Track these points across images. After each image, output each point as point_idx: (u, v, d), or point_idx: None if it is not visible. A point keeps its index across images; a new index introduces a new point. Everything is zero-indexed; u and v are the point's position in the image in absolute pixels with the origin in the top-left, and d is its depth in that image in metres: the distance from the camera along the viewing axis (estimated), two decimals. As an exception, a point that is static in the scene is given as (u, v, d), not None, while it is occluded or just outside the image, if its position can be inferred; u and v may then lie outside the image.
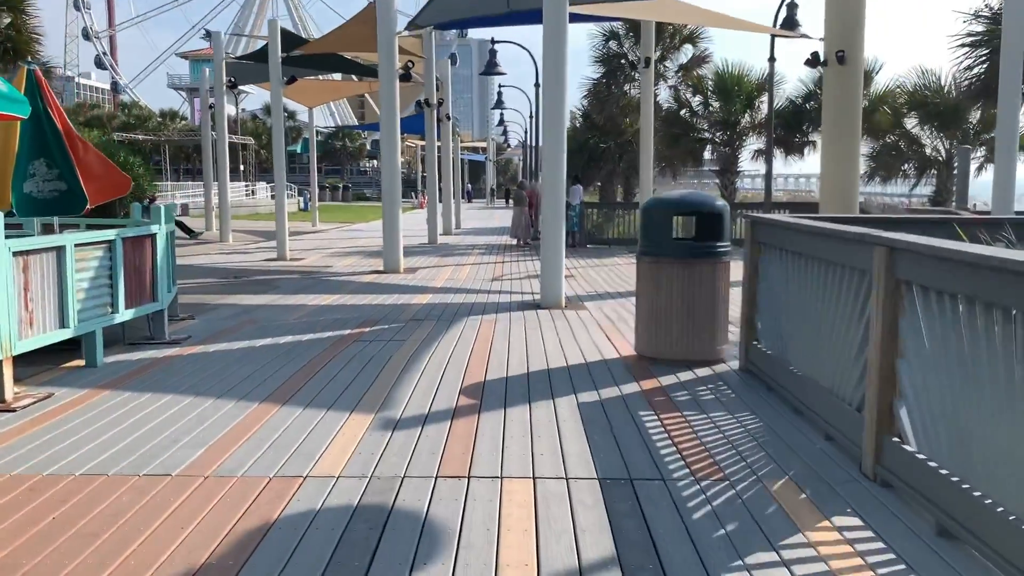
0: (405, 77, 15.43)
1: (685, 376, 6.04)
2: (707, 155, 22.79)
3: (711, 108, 22.40)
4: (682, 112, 22.85)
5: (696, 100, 22.73)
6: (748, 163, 23.23)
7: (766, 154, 19.27)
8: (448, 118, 25.63)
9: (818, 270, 4.75)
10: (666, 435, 4.63)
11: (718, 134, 22.46)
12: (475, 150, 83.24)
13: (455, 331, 8.08)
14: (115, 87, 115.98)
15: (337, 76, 30.30)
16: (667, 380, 5.92)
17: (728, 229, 6.53)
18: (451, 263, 16.38)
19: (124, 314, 6.82)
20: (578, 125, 31.97)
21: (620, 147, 30.35)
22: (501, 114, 43.78)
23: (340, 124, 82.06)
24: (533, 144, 40.77)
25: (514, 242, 22.05)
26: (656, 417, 4.99)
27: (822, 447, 4.46)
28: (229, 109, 74.88)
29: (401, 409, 5.18)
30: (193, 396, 5.49)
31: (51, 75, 26.19)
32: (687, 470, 4.08)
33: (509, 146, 75.44)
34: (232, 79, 21.62)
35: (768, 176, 19.34)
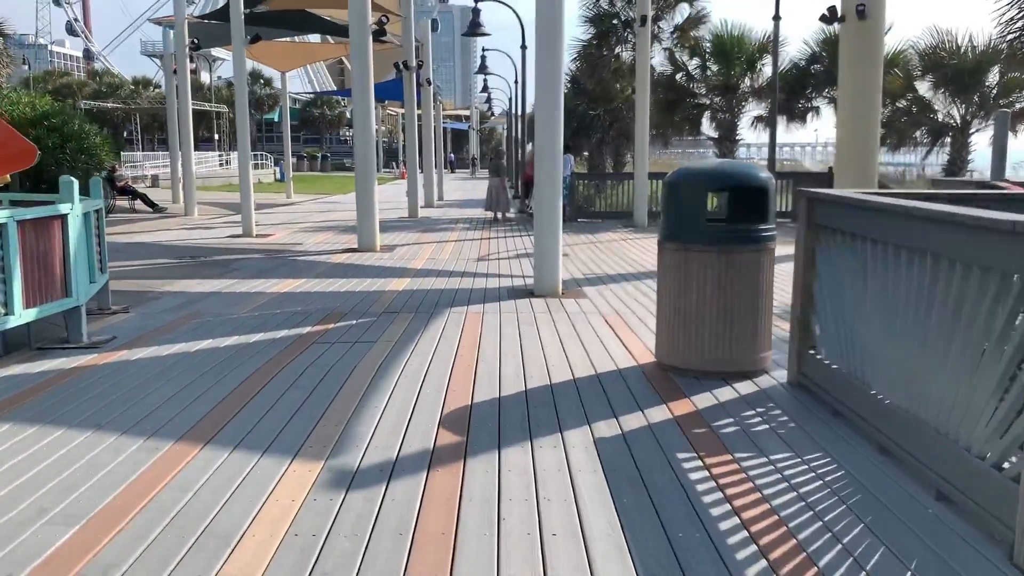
0: (379, 34, 13.99)
1: (724, 394, 4.80)
2: (705, 122, 21.44)
3: (709, 72, 21.05)
4: (678, 76, 21.49)
5: (693, 63, 21.38)
6: (747, 131, 21.91)
7: (770, 120, 17.99)
8: (429, 83, 24.12)
9: (924, 267, 3.50)
10: (721, 495, 3.39)
11: (717, 99, 21.13)
12: (458, 118, 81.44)
13: (435, 328, 6.80)
14: (87, 54, 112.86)
15: (313, 38, 28.66)
16: (702, 400, 4.69)
17: (774, 207, 5.26)
18: (433, 239, 15.06)
19: (23, 315, 5.50)
20: (566, 91, 30.51)
21: (611, 114, 28.94)
22: (484, 80, 42.16)
23: (316, 92, 79.75)
24: (519, 112, 39.29)
25: (490, 216, 20.69)
26: (701, 462, 3.75)
27: (935, 512, 3.25)
28: (203, 77, 72.63)
29: (360, 452, 3.91)
30: (92, 431, 4.20)
31: (6, 38, 24.48)
32: (764, 562, 2.85)
33: (493, 114, 73.56)
34: (195, 40, 20.04)
35: (772, 144, 18.06)
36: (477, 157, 75.15)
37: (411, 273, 10.51)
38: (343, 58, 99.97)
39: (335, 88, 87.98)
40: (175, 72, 21.92)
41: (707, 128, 21.39)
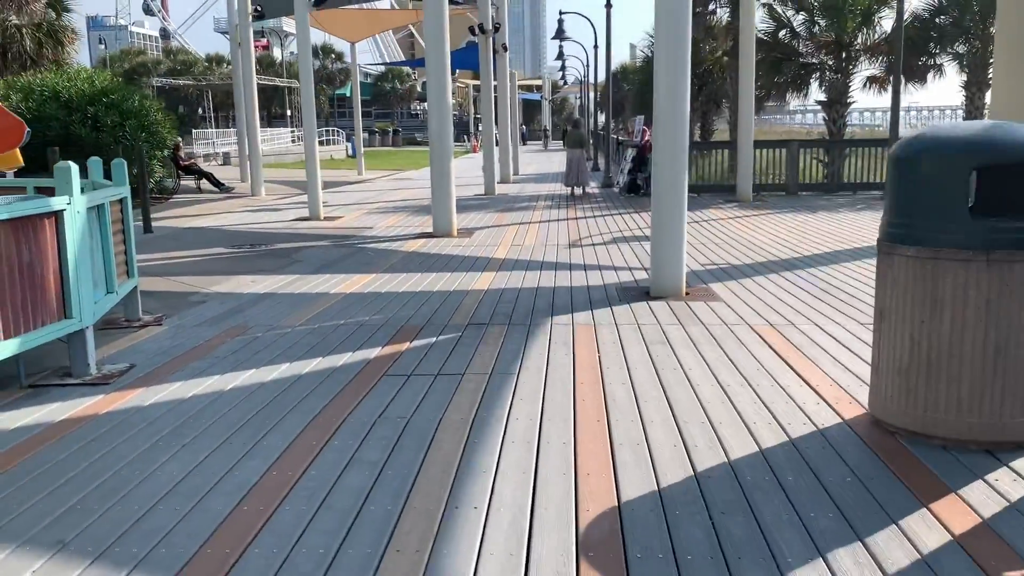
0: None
1: (1004, 482, 3.11)
2: (813, 84, 19.21)
3: (817, 28, 18.76)
4: (781, 34, 19.27)
5: (799, 19, 19.12)
6: (858, 93, 19.55)
7: (893, 80, 15.76)
8: (505, 49, 22.43)
9: None
10: None
11: (826, 59, 18.87)
12: (528, 88, 79.41)
13: (538, 352, 5.22)
14: (164, 33, 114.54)
15: (382, 4, 27.24)
16: (977, 497, 3.00)
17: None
18: (514, 221, 13.48)
19: (2, 348, 4.13)
20: (650, 54, 28.42)
21: (699, 78, 26.79)
22: (560, 47, 40.12)
23: (385, 63, 78.68)
24: (593, 79, 37.23)
25: (568, 191, 19.00)
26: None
27: None
28: (275, 53, 72.35)
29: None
30: (45, 557, 2.77)
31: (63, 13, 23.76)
32: None
33: (566, 83, 71.35)
34: (258, 7, 18.76)
35: (895, 107, 15.86)
36: (549, 129, 73.14)
37: (495, 265, 8.96)
38: (413, 30, 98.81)
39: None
40: (240, 45, 20.75)
41: (815, 91, 19.18)
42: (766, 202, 15.92)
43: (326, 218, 14.29)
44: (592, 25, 30.23)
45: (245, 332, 5.92)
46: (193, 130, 43.05)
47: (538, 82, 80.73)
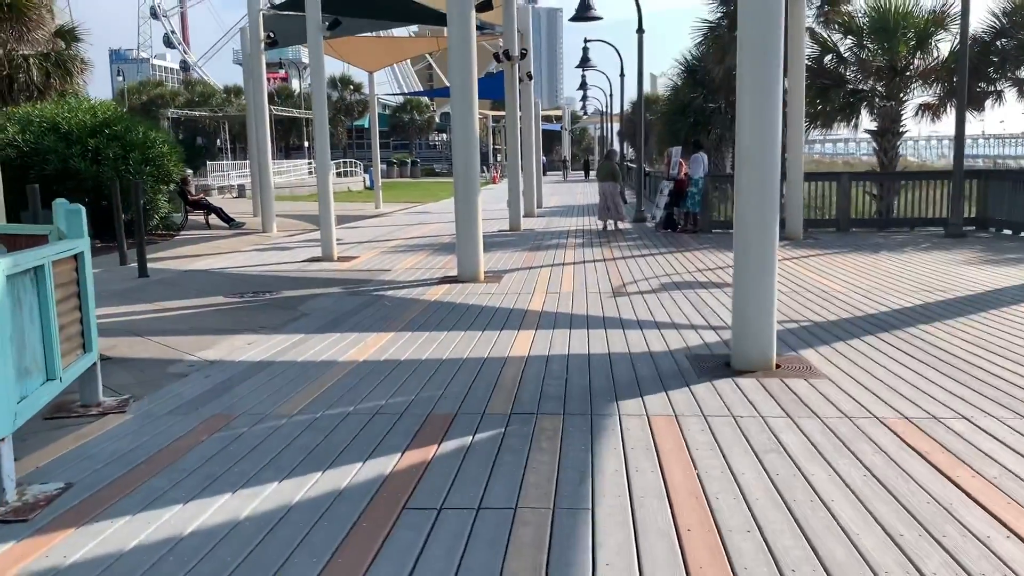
0: (484, 7, 11.23)
1: None
2: (864, 112, 17.88)
3: (868, 51, 17.49)
4: (827, 59, 18.01)
5: (846, 43, 17.86)
6: (908, 122, 18.25)
7: (957, 107, 14.45)
8: (530, 77, 21.35)
9: None
10: None
11: (877, 85, 17.57)
12: (547, 119, 78.67)
13: (612, 470, 3.89)
14: (184, 66, 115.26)
15: (400, 33, 26.33)
16: None
17: None
18: (545, 262, 12.21)
19: None
20: (679, 82, 27.31)
21: (733, 107, 25.59)
22: (583, 76, 39.21)
23: (404, 92, 78.17)
24: (617, 110, 36.16)
25: (601, 226, 17.75)
26: None
27: None
28: (294, 84, 72.01)
29: None
30: None
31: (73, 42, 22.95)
32: None
33: (586, 114, 70.52)
34: (270, 34, 17.77)
35: (960, 136, 14.53)
36: (568, 159, 72.19)
37: (532, 319, 7.67)
38: (431, 61, 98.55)
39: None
40: (252, 74, 19.74)
41: (865, 119, 17.85)
42: (819, 240, 14.57)
43: (340, 258, 13.08)
44: (618, 53, 29.24)
45: (227, 424, 4.63)
46: (208, 162, 42.26)
47: (557, 112, 80.00)
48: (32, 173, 15.26)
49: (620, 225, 17.82)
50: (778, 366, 5.65)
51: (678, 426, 4.45)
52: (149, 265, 12.23)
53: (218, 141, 61.29)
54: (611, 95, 37.07)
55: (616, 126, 54.88)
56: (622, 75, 29.34)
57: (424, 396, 5.11)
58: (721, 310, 7.97)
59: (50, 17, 22.49)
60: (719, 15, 19.14)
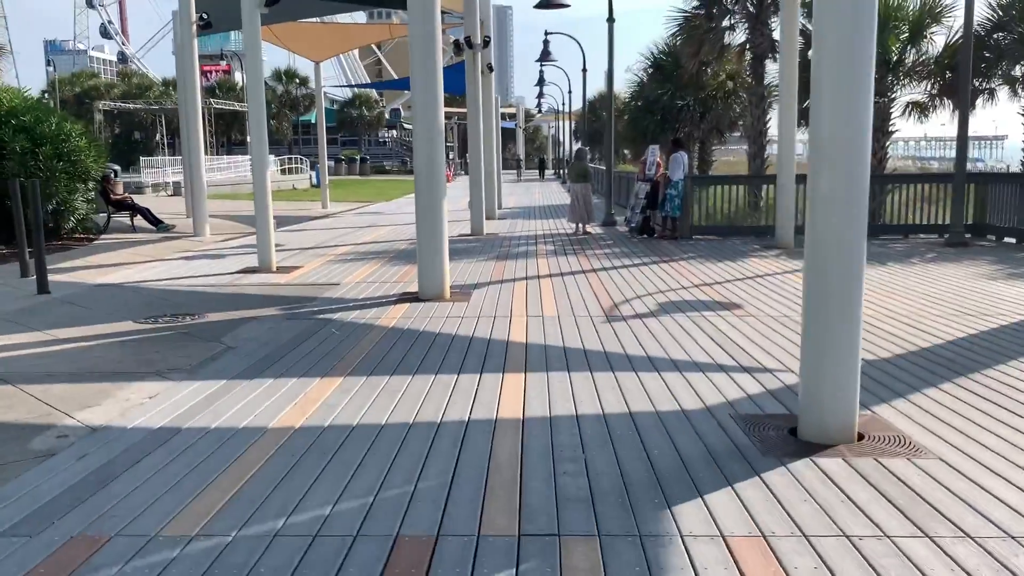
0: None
1: None
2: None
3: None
4: (810, 53, 16.80)
5: (831, 35, 16.67)
6: (896, 120, 17.13)
7: (960, 105, 13.35)
8: (490, 69, 19.82)
9: None
10: None
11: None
12: (501, 116, 77.24)
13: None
14: (122, 57, 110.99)
15: (348, 19, 24.52)
16: None
17: None
18: (518, 274, 10.70)
19: None
20: (646, 76, 26.05)
21: (702, 104, 24.45)
22: (541, 71, 37.74)
23: (352, 84, 75.82)
24: (583, 106, 34.82)
25: (572, 228, 16.43)
26: None
27: None
28: (237, 77, 69.18)
29: None
30: None
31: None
32: None
33: (540, 112, 69.15)
34: (203, 15, 15.91)
35: (963, 135, 13.44)
36: (523, 158, 70.81)
37: (517, 357, 6.14)
38: (380, 56, 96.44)
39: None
40: (184, 60, 17.81)
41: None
42: (810, 248, 13.29)
43: (280, 269, 11.40)
44: (580, 47, 27.90)
45: (89, 560, 3.01)
46: (142, 158, 39.78)
47: (511, 110, 78.60)
48: (-79, 171, 13.25)
49: (589, 228, 16.45)
50: (860, 435, 4.23)
51: (775, 558, 2.96)
52: (55, 278, 10.43)
53: (156, 136, 58.46)
54: (570, 91, 35.71)
55: (571, 124, 53.66)
56: (584, 70, 28.01)
57: (387, 499, 3.54)
58: (745, 343, 6.55)
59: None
60: (695, 4, 17.83)
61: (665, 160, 16.14)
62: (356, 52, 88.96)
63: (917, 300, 8.39)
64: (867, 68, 4.06)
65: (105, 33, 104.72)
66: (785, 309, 8.07)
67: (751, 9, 17.48)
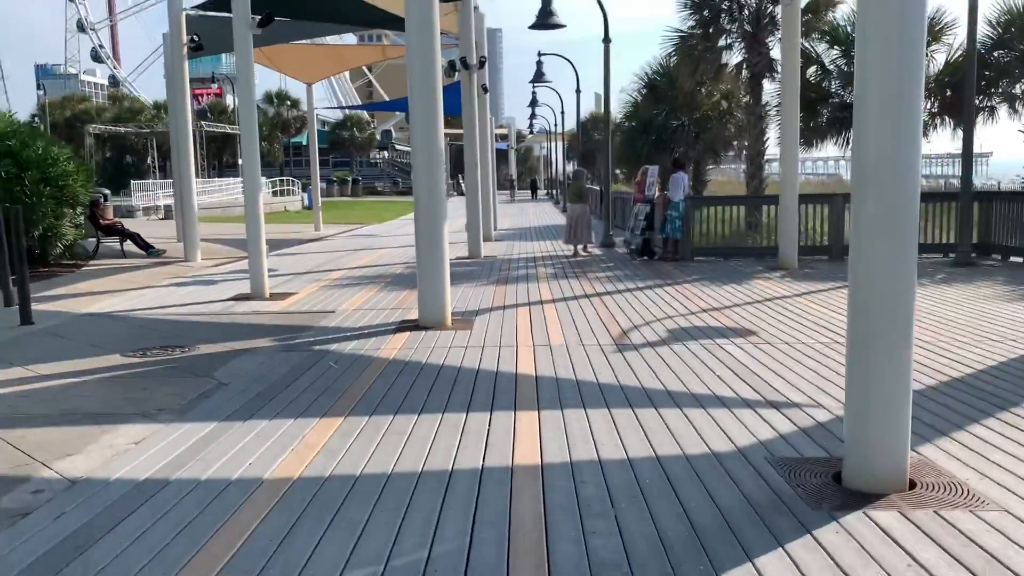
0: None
1: None
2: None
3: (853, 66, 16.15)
4: (810, 72, 16.63)
5: (833, 54, 16.51)
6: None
7: (965, 122, 13.13)
8: (485, 90, 19.57)
9: None
10: None
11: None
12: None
13: None
14: (113, 81, 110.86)
15: (339, 40, 24.28)
16: None
17: None
18: (520, 299, 10.36)
19: None
20: (640, 97, 25.86)
21: (697, 124, 24.26)
22: (533, 92, 37.63)
23: (344, 106, 75.69)
24: (577, 127, 34.64)
25: (570, 251, 16.17)
26: None
27: None
28: (228, 100, 68.98)
29: None
30: None
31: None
32: None
33: (532, 132, 69.11)
34: (194, 37, 15.64)
35: (967, 153, 13.22)
36: (515, 179, 70.64)
37: (528, 393, 5.79)
38: (371, 78, 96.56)
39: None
40: (174, 82, 17.47)
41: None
42: (816, 270, 13.03)
43: (273, 295, 11.02)
44: (574, 68, 27.76)
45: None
46: (133, 181, 39.39)
47: (502, 130, 78.55)
48: (-98, 197, 12.84)
49: (591, 249, 16.18)
50: (913, 484, 3.87)
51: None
52: (40, 307, 10.04)
53: (148, 159, 58.08)
54: (563, 112, 35.59)
55: (564, 144, 53.57)
56: (578, 91, 27.87)
57: (400, 567, 3.16)
58: (766, 374, 6.21)
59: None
60: (691, 24, 17.63)
61: (663, 181, 15.90)
62: (347, 74, 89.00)
63: (936, 325, 8.07)
64: (917, 89, 3.73)
65: (96, 57, 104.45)
66: (800, 335, 7.75)
67: (748, 28, 17.29)
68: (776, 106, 17.97)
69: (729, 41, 17.35)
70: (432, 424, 5.06)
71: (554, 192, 63.94)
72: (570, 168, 61.79)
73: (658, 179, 15.55)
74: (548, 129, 57.43)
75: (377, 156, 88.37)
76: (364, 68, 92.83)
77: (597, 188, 24.53)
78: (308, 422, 5.16)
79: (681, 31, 17.96)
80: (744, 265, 13.76)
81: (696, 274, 12.68)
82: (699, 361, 6.70)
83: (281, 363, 6.96)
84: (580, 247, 16.14)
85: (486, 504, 3.75)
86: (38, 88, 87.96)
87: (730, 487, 3.93)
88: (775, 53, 17.65)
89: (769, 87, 18.08)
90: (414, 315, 8.91)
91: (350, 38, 28.31)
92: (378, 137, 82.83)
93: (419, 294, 8.72)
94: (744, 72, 18.12)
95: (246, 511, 3.73)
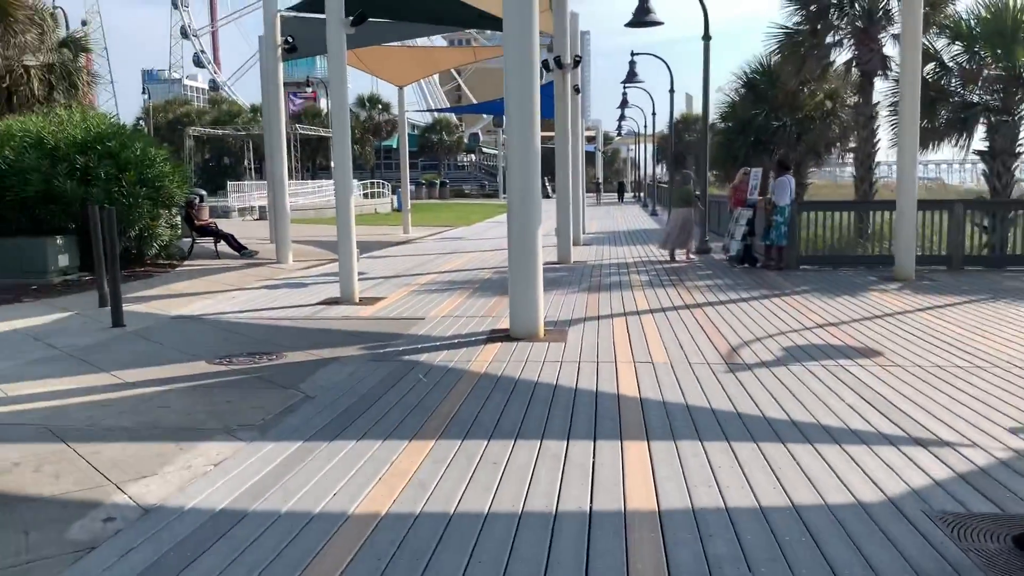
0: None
1: None
2: (980, 129, 15.32)
3: (978, 59, 14.97)
4: (927, 68, 15.49)
5: (952, 50, 15.36)
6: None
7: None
8: (577, 91, 19.05)
9: None
10: None
11: (990, 99, 15.02)
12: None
13: None
14: (213, 85, 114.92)
15: (436, 41, 24.15)
16: None
17: None
18: (615, 309, 9.80)
19: None
20: (738, 97, 24.85)
21: (799, 125, 23.13)
22: (624, 94, 36.87)
23: (433, 109, 76.25)
24: (670, 127, 33.80)
25: (665, 255, 15.55)
26: None
27: None
28: (322, 104, 70.44)
29: None
30: None
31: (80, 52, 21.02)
32: None
33: (620, 134, 68.15)
34: (288, 39, 15.62)
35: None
36: (601, 181, 69.85)
37: (633, 419, 5.25)
38: (460, 82, 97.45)
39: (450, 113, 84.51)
40: (269, 82, 17.55)
41: (978, 138, 15.25)
42: (936, 281, 12.02)
43: (362, 300, 10.77)
44: (668, 67, 26.95)
45: None
46: (229, 182, 40.37)
47: (589, 132, 77.83)
48: (9, 196, 13.17)
49: (687, 256, 15.50)
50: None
51: None
52: (133, 308, 10.07)
53: (244, 161, 59.73)
54: (654, 113, 34.67)
55: (654, 146, 52.51)
56: (671, 91, 27.01)
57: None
58: (904, 403, 5.50)
59: (54, 25, 20.64)
60: (797, 20, 16.69)
61: (766, 183, 15.09)
62: (436, 78, 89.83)
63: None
64: None
65: (198, 62, 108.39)
66: (932, 357, 6.96)
67: (859, 24, 16.26)
68: (889, 106, 16.89)
69: (838, 37, 16.34)
70: (530, 453, 4.58)
71: (641, 195, 62.93)
72: (659, 171, 60.62)
73: (760, 181, 14.74)
74: (636, 131, 56.45)
75: (464, 159, 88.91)
76: (453, 72, 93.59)
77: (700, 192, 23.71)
78: (397, 445, 4.75)
79: (786, 27, 17.04)
80: (855, 275, 12.86)
81: (804, 284, 11.86)
82: (823, 386, 6.03)
83: (369, 375, 6.61)
84: (681, 252, 15.51)
85: (599, 558, 3.25)
86: (143, 92, 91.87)
87: (887, 548, 3.31)
88: (888, 50, 16.59)
89: (881, 86, 17.02)
90: (504, 324, 8.48)
91: (439, 41, 28.31)
92: (466, 140, 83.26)
93: (511, 303, 8.27)
94: (853, 70, 17.07)
95: (329, 555, 3.32)
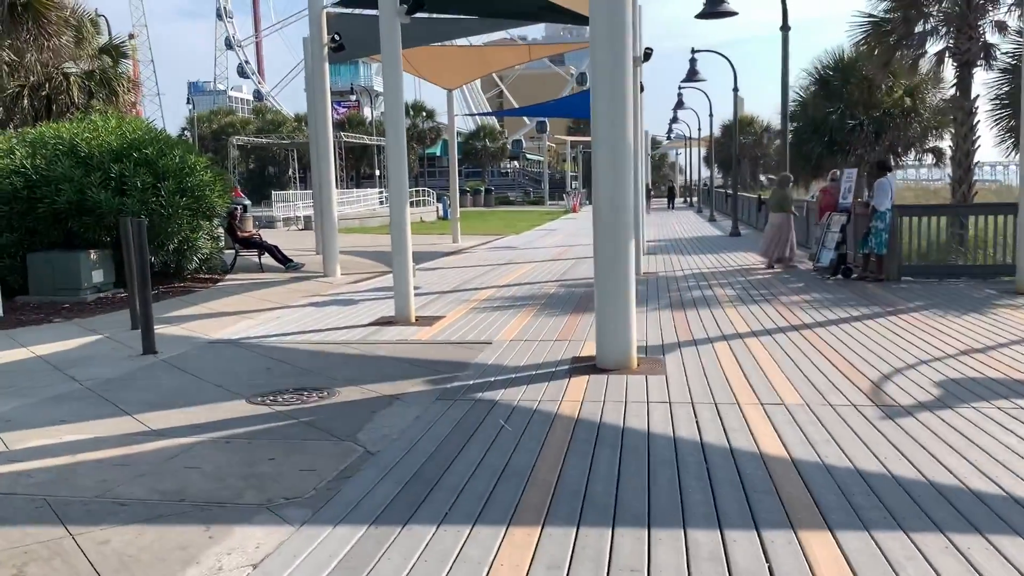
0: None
1: None
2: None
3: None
4: (1032, 60, 13.91)
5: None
6: None
7: None
8: (642, 89, 17.74)
9: None
10: None
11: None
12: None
13: None
14: (258, 95, 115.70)
15: (478, 41, 23.07)
16: None
17: None
18: (710, 332, 8.51)
19: None
20: (809, 93, 23.38)
21: (876, 123, 21.59)
22: (679, 94, 35.39)
23: (490, 112, 75.38)
24: (735, 128, 32.33)
25: (763, 263, 14.31)
26: None
27: None
28: (366, 112, 69.98)
29: None
30: None
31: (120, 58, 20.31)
32: None
33: (669, 138, 66.45)
34: (335, 36, 14.63)
35: None
36: (650, 185, 68.22)
37: (796, 496, 3.99)
38: (503, 87, 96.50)
39: (492, 118, 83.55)
40: (314, 87, 16.58)
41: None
42: (1070, 295, 10.52)
43: (418, 319, 9.65)
44: (732, 65, 25.55)
45: None
46: (274, 192, 39.81)
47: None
48: (41, 207, 12.31)
49: (793, 263, 14.28)
50: None
51: None
52: (167, 329, 9.07)
53: (289, 171, 59.44)
54: (711, 114, 33.15)
55: (707, 149, 50.85)
56: (735, 89, 25.59)
57: None
58: None
59: (94, 31, 20.01)
60: (885, 7, 15.23)
61: (859, 186, 13.68)
62: (479, 84, 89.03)
63: None
64: None
65: (242, 72, 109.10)
66: None
67: (957, 10, 14.75)
68: (993, 99, 15.36)
69: (934, 24, 14.85)
70: (675, 550, 3.35)
71: (692, 200, 61.13)
72: (706, 174, 58.75)
73: (854, 184, 13.32)
74: (687, 135, 54.79)
75: (508, 166, 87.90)
76: (495, 78, 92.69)
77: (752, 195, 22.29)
78: (493, 535, 3.55)
79: (872, 16, 15.58)
80: (966, 288, 11.39)
81: (916, 299, 10.45)
82: (1017, 438, 4.70)
83: (439, 420, 5.44)
84: (781, 261, 14.26)
85: None
86: (187, 103, 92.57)
87: None
88: (990, 37, 15.05)
89: (983, 77, 15.47)
90: (584, 349, 7.35)
91: (482, 40, 27.36)
92: (509, 147, 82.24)
93: (597, 328, 7.06)
94: (948, 61, 15.55)
95: None
